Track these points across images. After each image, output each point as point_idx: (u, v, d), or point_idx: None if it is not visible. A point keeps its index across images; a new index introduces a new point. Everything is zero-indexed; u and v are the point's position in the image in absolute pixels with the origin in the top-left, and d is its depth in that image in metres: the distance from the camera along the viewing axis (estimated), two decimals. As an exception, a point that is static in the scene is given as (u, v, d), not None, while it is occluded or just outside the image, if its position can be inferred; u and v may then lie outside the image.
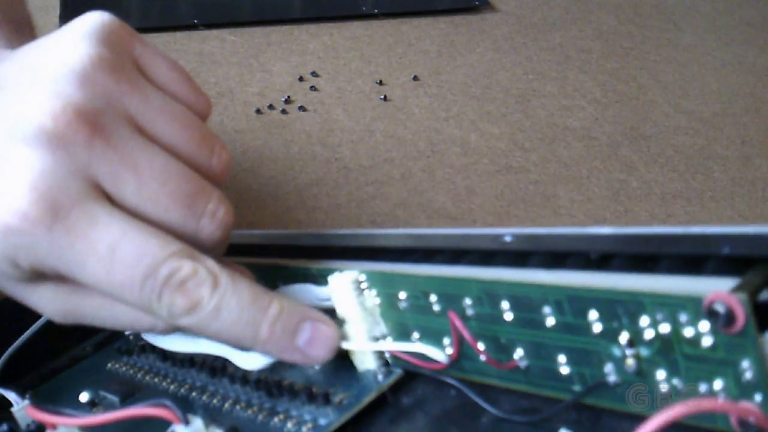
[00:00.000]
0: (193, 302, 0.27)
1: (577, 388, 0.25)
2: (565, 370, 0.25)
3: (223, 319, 0.27)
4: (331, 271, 0.31)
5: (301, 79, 1.10)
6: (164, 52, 0.32)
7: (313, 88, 1.08)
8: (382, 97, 1.06)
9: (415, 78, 1.10)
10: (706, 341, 0.21)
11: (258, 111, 1.02)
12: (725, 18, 1.30)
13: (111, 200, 0.27)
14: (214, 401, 0.31)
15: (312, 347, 0.29)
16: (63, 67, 0.27)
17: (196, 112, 0.31)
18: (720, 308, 0.20)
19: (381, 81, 1.09)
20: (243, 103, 1.05)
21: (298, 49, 1.18)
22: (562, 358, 0.25)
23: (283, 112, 1.02)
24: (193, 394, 0.33)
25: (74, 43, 0.28)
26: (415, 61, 1.15)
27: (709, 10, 1.33)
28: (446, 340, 0.28)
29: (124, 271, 0.26)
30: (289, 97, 1.05)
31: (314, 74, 1.11)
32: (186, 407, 0.28)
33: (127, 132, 0.28)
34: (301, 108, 1.03)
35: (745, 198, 0.89)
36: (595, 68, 1.15)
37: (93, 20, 0.29)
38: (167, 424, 0.26)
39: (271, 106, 1.03)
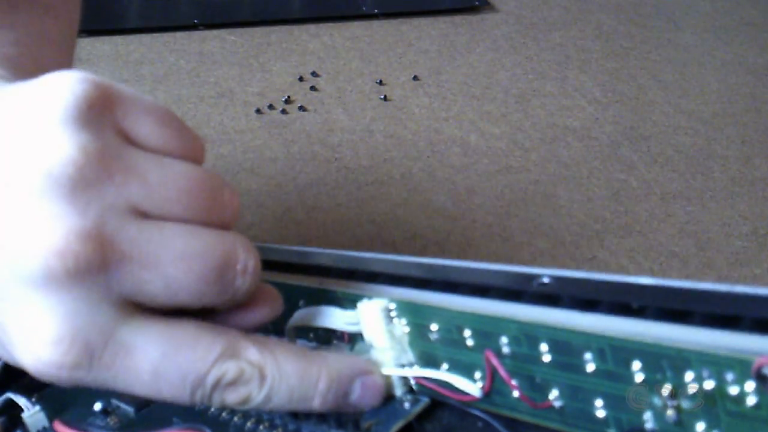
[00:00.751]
0: (243, 398, 0.27)
1: (612, 431, 0.25)
2: (601, 413, 0.25)
3: (275, 404, 0.28)
4: (358, 296, 0.30)
5: (301, 79, 1.10)
6: (151, 100, 0.28)
7: (313, 88, 1.08)
8: (382, 97, 1.06)
9: (415, 78, 1.10)
10: (751, 400, 0.21)
11: (258, 111, 1.02)
12: (725, 18, 1.30)
13: (141, 306, 0.26)
14: (235, 419, 0.31)
15: (363, 401, 0.29)
16: (48, 178, 0.24)
17: (194, 159, 0.28)
18: None
19: (381, 81, 1.09)
20: (243, 103, 1.05)
21: (298, 49, 1.18)
22: (599, 402, 0.25)
23: (283, 112, 1.02)
24: (212, 409, 0.32)
25: (51, 137, 0.24)
26: (415, 61, 1.15)
27: (709, 10, 1.33)
28: (477, 374, 0.28)
29: (171, 389, 0.26)
30: (289, 97, 1.05)
31: (314, 74, 1.11)
32: (217, 429, 0.28)
33: (136, 229, 0.25)
34: (301, 108, 1.03)
35: (745, 198, 0.89)
36: (595, 68, 1.15)
37: (64, 95, 0.25)
38: None
39: (271, 106, 1.03)
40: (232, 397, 0.27)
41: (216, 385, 0.27)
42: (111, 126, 0.26)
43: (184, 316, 0.27)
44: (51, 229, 0.24)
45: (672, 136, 1.00)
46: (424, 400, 0.30)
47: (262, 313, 0.29)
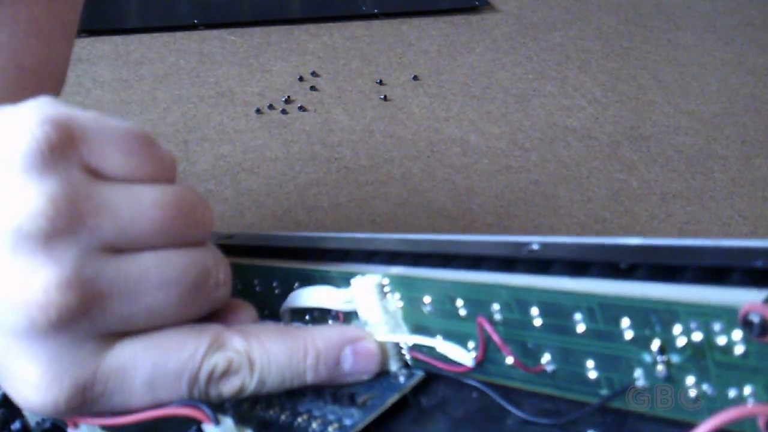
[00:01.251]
0: (237, 387, 0.28)
1: (604, 392, 0.25)
2: (593, 374, 0.25)
3: (270, 386, 0.29)
4: (351, 275, 0.31)
5: (301, 79, 1.10)
6: (116, 122, 0.27)
7: (313, 88, 1.08)
8: (382, 97, 1.06)
9: (415, 78, 1.11)
10: (738, 349, 0.21)
11: (258, 111, 1.03)
12: (725, 18, 1.30)
13: (127, 333, 0.27)
14: (232, 400, 0.31)
15: (358, 368, 0.30)
16: (19, 234, 0.24)
17: (165, 180, 0.27)
18: (755, 318, 0.20)
19: (381, 81, 1.09)
20: (243, 103, 1.05)
21: (298, 49, 1.18)
22: (590, 363, 0.25)
23: (283, 112, 1.02)
24: None
25: (16, 190, 0.24)
26: (415, 61, 1.15)
27: (709, 10, 1.33)
28: (471, 344, 0.28)
29: (168, 393, 0.27)
30: (289, 97, 1.05)
31: (314, 74, 1.11)
32: (214, 407, 0.29)
33: (113, 268, 0.25)
34: (301, 108, 1.03)
35: (745, 198, 0.89)
36: (595, 68, 1.15)
37: (24, 141, 0.24)
38: (187, 422, 0.26)
39: (271, 106, 1.03)
40: (228, 389, 0.28)
41: (209, 378, 0.27)
42: (76, 164, 0.25)
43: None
44: (30, 283, 0.24)
45: (672, 136, 1.00)
46: (419, 374, 0.30)
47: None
